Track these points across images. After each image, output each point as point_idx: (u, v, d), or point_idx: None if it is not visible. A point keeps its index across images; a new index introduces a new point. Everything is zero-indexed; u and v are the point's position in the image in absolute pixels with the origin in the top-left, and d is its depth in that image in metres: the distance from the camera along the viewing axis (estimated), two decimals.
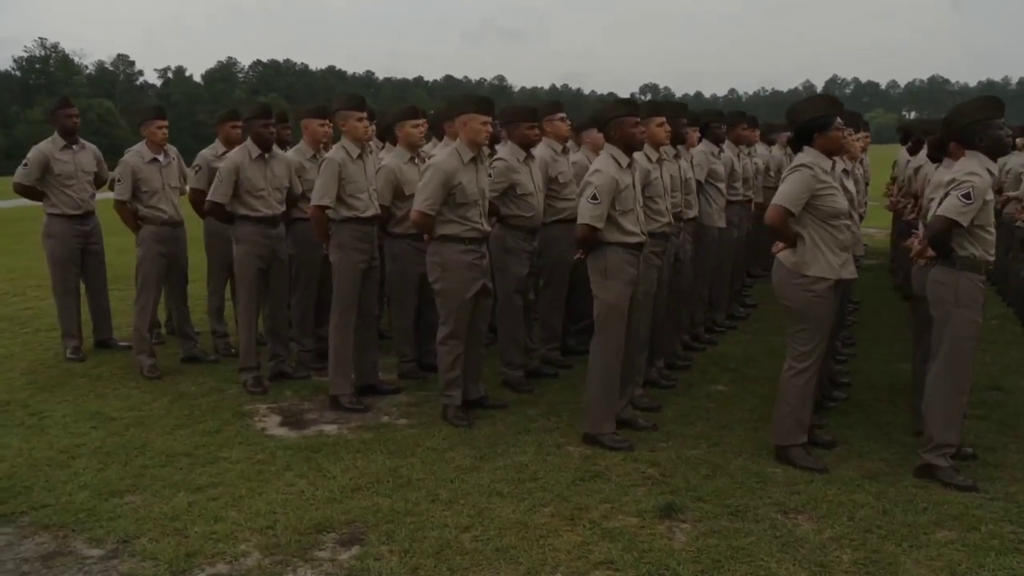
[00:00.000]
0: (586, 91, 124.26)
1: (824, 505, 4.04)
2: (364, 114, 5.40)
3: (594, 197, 4.63)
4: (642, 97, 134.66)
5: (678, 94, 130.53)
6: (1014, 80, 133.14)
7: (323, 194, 5.27)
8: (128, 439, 4.96)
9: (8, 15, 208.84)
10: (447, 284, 5.08)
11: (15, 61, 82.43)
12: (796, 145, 4.52)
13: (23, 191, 6.68)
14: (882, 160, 15.74)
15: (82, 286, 7.00)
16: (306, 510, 3.98)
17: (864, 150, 7.64)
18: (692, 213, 6.37)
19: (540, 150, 5.96)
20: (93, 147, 6.97)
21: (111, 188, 7.04)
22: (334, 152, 5.35)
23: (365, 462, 4.56)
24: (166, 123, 6.35)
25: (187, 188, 6.72)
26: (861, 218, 6.34)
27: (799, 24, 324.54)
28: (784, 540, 3.71)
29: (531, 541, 3.69)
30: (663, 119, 5.40)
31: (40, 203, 6.81)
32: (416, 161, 5.85)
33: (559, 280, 6.28)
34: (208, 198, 5.79)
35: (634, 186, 4.80)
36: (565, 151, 6.32)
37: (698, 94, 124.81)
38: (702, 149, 6.91)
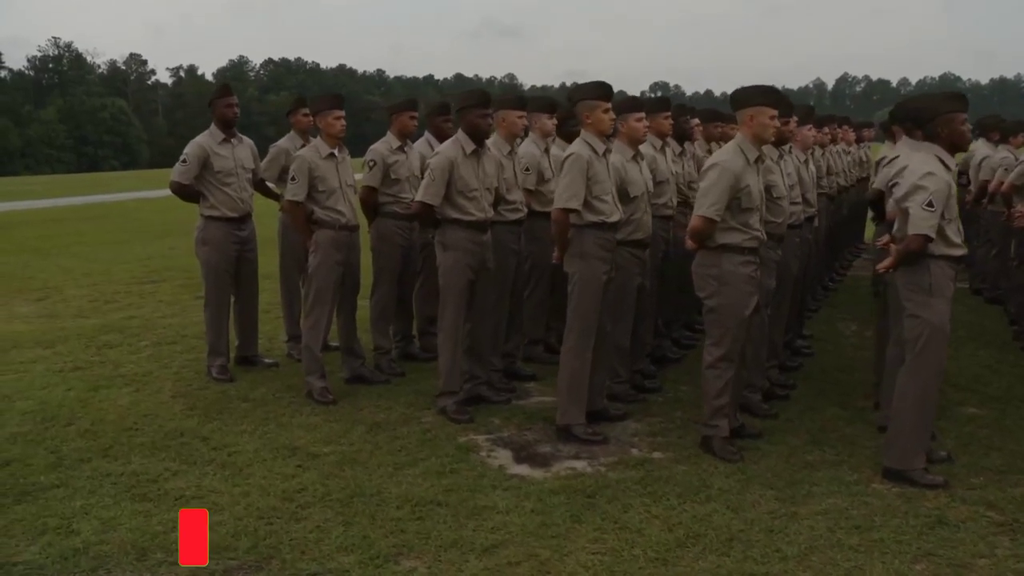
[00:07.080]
0: None
1: None
2: (610, 105, 4.72)
3: (930, 204, 3.96)
4: (652, 95, 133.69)
5: (688, 92, 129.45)
6: None
7: (571, 195, 4.58)
8: (352, 482, 4.26)
9: (21, 14, 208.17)
10: (724, 300, 4.39)
11: (28, 61, 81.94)
12: None
13: (181, 191, 5.95)
14: None
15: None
16: None
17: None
18: None
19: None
20: (250, 141, 6.24)
21: (257, 188, 6.39)
22: (579, 147, 4.67)
23: (661, 509, 3.89)
24: (343, 113, 5.61)
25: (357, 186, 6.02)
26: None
27: (805, 22, 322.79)
28: None
29: None
30: None
31: (196, 204, 6.07)
32: (639, 159, 5.16)
33: (784, 292, 5.60)
34: (418, 198, 5.11)
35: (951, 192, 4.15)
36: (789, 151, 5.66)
37: (708, 92, 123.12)
38: None
